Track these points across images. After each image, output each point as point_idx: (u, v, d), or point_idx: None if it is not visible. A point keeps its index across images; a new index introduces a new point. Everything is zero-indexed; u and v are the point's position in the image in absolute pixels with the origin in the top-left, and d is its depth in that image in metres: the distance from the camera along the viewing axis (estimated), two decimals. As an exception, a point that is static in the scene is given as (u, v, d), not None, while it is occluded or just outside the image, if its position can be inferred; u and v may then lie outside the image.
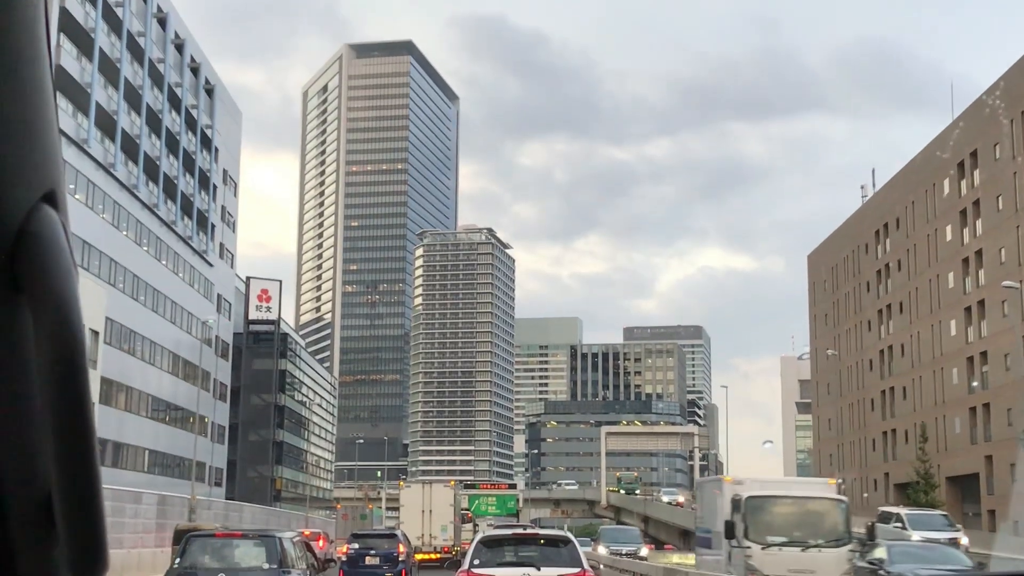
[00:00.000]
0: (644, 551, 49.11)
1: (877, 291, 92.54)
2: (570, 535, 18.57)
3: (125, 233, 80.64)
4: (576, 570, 16.02)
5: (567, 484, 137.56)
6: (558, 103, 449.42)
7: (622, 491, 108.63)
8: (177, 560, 16.80)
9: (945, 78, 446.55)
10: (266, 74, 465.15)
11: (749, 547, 23.51)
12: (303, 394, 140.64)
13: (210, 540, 17.37)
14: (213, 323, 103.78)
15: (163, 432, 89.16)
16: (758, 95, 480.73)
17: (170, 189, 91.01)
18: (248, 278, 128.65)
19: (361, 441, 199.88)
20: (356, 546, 34.49)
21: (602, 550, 45.88)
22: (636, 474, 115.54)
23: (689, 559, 61.14)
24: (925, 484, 66.87)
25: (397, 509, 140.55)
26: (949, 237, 79.25)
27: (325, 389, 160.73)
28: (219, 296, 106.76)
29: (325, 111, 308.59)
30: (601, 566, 35.07)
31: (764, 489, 25.25)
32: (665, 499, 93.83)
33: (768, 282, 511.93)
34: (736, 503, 24.37)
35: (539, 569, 15.88)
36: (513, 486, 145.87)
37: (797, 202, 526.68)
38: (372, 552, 33.75)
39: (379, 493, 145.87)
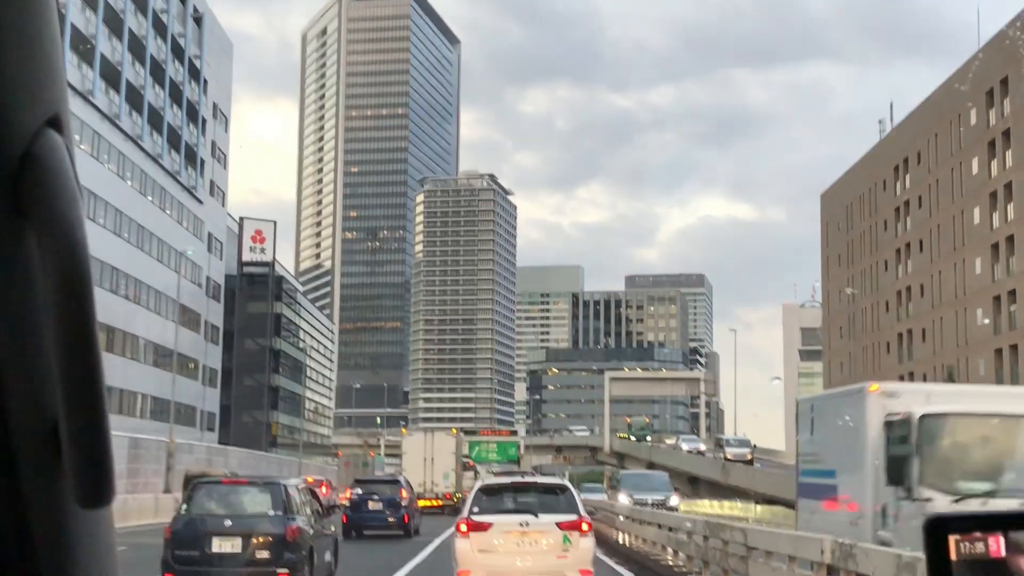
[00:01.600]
0: (675, 500, 42.57)
1: (895, 229, 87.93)
2: (567, 483, 18.60)
3: (107, 166, 75.98)
4: (573, 517, 16.19)
5: (577, 430, 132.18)
6: (560, 49, 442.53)
7: (632, 437, 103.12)
8: (184, 506, 16.85)
9: (950, 22, 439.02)
10: (264, 18, 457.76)
11: (931, 499, 14.57)
12: (300, 339, 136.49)
13: (216, 487, 17.48)
14: (201, 261, 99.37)
15: (150, 375, 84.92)
16: (762, 41, 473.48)
17: (155, 121, 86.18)
18: (241, 218, 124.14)
19: (358, 386, 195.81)
20: (359, 492, 34.67)
21: (623, 499, 38.27)
22: (647, 419, 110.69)
23: (747, 510, 57.01)
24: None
25: (397, 456, 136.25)
26: (975, 170, 74.51)
27: (323, 334, 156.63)
28: (210, 235, 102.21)
29: (324, 55, 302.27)
30: (620, 517, 32.35)
31: (953, 402, 16.23)
32: (685, 447, 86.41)
33: (770, 231, 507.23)
34: (899, 426, 15.53)
35: (537, 516, 16.09)
36: (514, 433, 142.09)
37: (800, 150, 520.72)
38: (375, 498, 34.04)
39: (379, 440, 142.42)
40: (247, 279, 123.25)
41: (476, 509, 16.53)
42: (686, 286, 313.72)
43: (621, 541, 28.44)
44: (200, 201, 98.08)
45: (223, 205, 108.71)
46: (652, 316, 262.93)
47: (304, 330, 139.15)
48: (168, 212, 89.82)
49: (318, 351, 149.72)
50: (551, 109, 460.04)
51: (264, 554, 16.08)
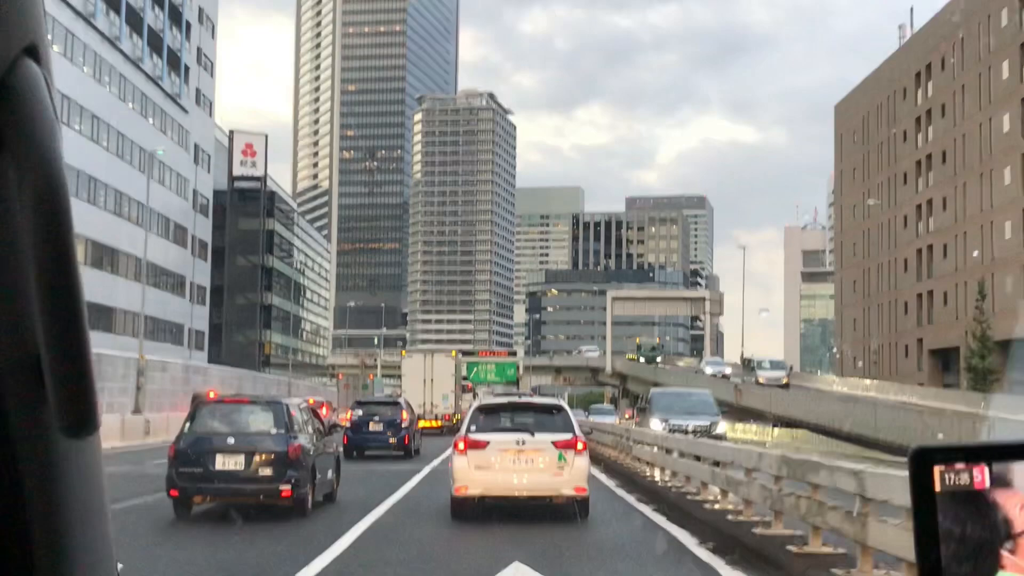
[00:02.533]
0: (722, 426, 33.94)
1: (915, 140, 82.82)
2: (563, 403, 18.37)
3: (84, 69, 70.71)
4: (568, 436, 16.47)
5: (587, 350, 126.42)
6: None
7: (642, 359, 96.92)
8: (187, 424, 16.96)
9: None
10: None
11: None
12: (294, 257, 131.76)
13: (219, 406, 17.56)
14: (188, 173, 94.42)
15: (135, 292, 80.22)
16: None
17: (135, 22, 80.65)
18: (231, 131, 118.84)
19: (352, 304, 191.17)
20: (360, 413, 34.66)
21: (656, 425, 30.67)
22: (659, 340, 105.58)
23: (764, 433, 52.70)
24: (980, 348, 58.26)
25: (394, 377, 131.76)
26: (1006, 75, 69.25)
27: (318, 252, 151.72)
28: (196, 146, 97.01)
29: None
30: (647, 447, 29.22)
31: None
32: (709, 371, 77.62)
33: (771, 154, 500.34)
34: None
35: (533, 435, 16.37)
36: (513, 354, 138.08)
37: (802, 71, 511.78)
38: (376, 419, 34.04)
39: (375, 361, 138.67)
40: (238, 194, 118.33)
41: (474, 428, 16.70)
42: (687, 208, 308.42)
43: (649, 476, 23.68)
44: (185, 110, 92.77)
45: (211, 116, 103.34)
46: (653, 237, 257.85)
47: (298, 248, 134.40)
48: (150, 120, 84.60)
49: (313, 270, 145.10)
50: (550, 29, 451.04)
51: (267, 471, 16.23)
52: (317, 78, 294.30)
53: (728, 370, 78.41)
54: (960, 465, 1.30)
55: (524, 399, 19.88)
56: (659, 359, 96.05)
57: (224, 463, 16.22)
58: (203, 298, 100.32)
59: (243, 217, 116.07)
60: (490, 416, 17.22)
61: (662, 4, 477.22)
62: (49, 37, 0.93)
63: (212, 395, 20.21)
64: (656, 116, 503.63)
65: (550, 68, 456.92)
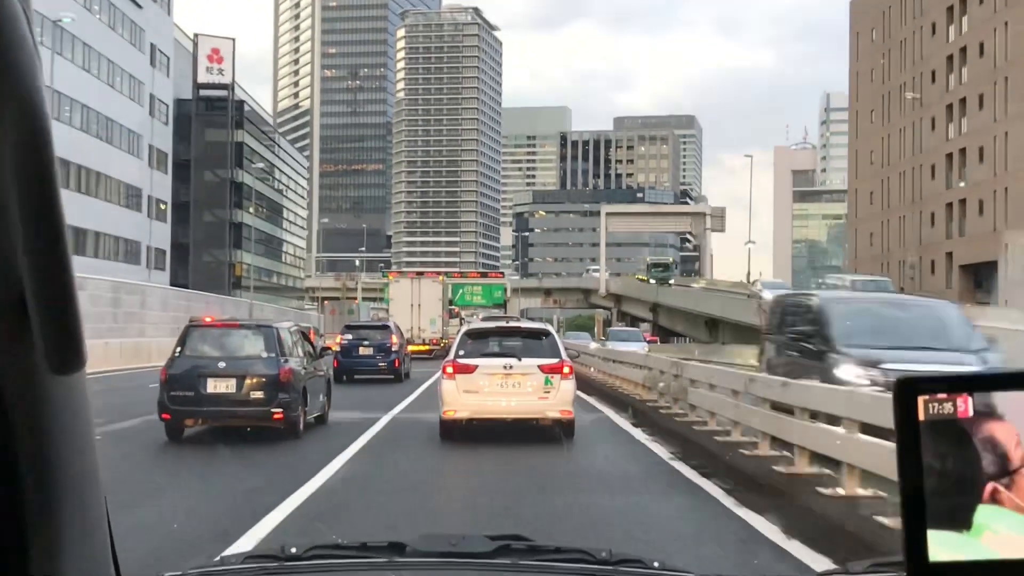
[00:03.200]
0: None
1: (947, 33, 73.64)
2: (550, 328, 18.89)
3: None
4: (555, 360, 16.46)
5: (593, 270, 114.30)
6: None
7: (652, 280, 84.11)
8: (178, 349, 16.55)
9: None
10: None
11: None
12: (266, 172, 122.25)
13: (209, 330, 17.21)
14: (143, 75, 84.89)
15: (78, 204, 71.18)
16: None
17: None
18: (196, 35, 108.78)
19: (325, 221, 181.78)
20: (350, 337, 34.19)
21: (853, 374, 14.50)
22: (671, 259, 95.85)
23: None
24: None
25: (376, 300, 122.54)
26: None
27: (294, 170, 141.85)
28: (153, 46, 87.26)
29: None
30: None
31: None
32: (768, 295, 48.79)
33: (757, 75, 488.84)
34: None
35: (520, 359, 16.43)
36: (501, 274, 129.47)
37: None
38: (366, 343, 33.61)
39: (356, 284, 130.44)
40: (204, 104, 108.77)
41: (462, 352, 16.78)
42: (676, 128, 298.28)
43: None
44: (138, 4, 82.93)
45: (168, 15, 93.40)
46: (643, 157, 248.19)
47: (271, 163, 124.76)
48: (96, 14, 74.88)
49: (288, 186, 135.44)
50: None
51: (258, 394, 16.10)
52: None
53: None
54: (944, 395, 1.31)
55: (512, 323, 20.05)
56: (672, 280, 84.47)
57: (215, 387, 16.07)
58: (163, 214, 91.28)
59: (210, 128, 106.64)
60: (478, 341, 17.25)
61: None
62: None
63: (209, 320, 18.88)
64: (643, 37, 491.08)
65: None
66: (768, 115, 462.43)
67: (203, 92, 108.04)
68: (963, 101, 71.03)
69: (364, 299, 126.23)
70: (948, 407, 1.30)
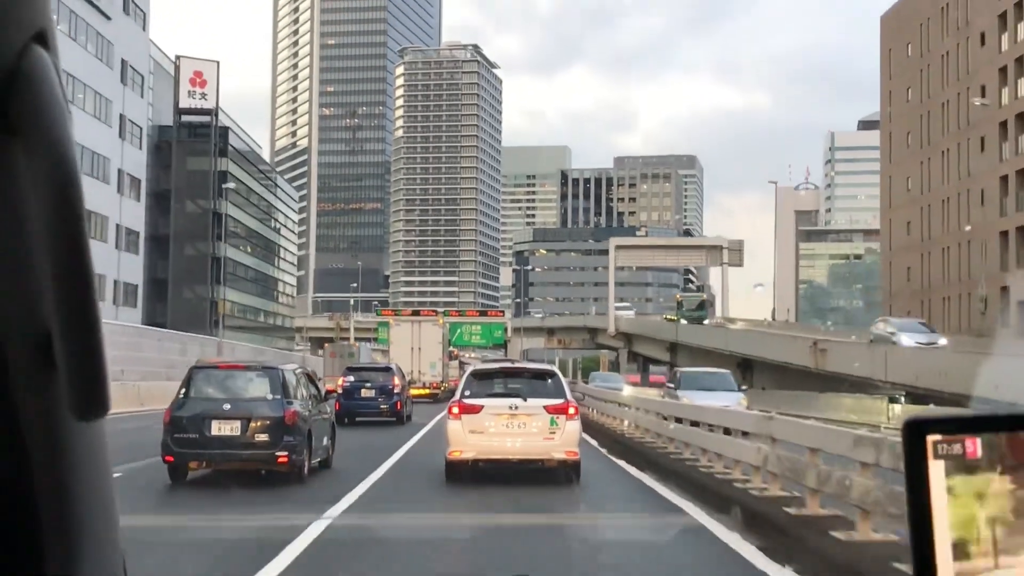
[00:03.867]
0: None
1: (998, 43, 65.29)
2: (555, 368, 18.64)
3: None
4: (560, 401, 16.31)
5: (623, 310, 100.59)
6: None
7: (682, 320, 73.47)
8: (182, 391, 16.08)
9: None
10: None
11: None
12: (253, 203, 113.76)
13: (214, 371, 16.81)
14: (112, 93, 76.56)
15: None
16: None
17: None
18: (178, 57, 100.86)
19: (301, 253, 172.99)
20: (352, 379, 33.83)
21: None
22: (704, 297, 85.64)
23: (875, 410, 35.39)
24: None
25: (370, 340, 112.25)
26: None
27: (284, 203, 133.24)
28: (124, 62, 79.02)
29: None
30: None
31: None
32: (910, 342, 42.13)
33: (755, 117, 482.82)
34: None
35: (526, 400, 16.27)
36: (501, 313, 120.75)
37: (783, 34, 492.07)
38: (368, 385, 33.34)
39: (349, 322, 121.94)
40: (186, 130, 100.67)
41: (468, 393, 16.67)
42: (677, 168, 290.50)
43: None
44: (107, 16, 74.81)
45: (144, 29, 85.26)
46: (645, 195, 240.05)
47: (259, 194, 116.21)
48: (60, 26, 66.55)
49: (278, 220, 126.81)
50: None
51: (263, 437, 15.70)
52: (296, 31, 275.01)
53: (943, 340, 43.92)
54: (953, 435, 1.29)
55: (517, 364, 20.46)
56: (707, 319, 73.62)
57: (220, 429, 15.61)
58: (134, 245, 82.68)
59: (193, 156, 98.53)
60: (484, 381, 17.17)
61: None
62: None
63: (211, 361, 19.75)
64: (640, 80, 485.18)
65: (533, 30, 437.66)
66: (765, 156, 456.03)
67: (185, 118, 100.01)
68: (1020, 117, 62.56)
69: (357, 338, 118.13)
70: (957, 447, 1.29)
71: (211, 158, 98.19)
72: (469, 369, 18.83)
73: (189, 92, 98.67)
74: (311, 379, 18.37)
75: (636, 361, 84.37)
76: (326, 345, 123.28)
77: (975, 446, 1.27)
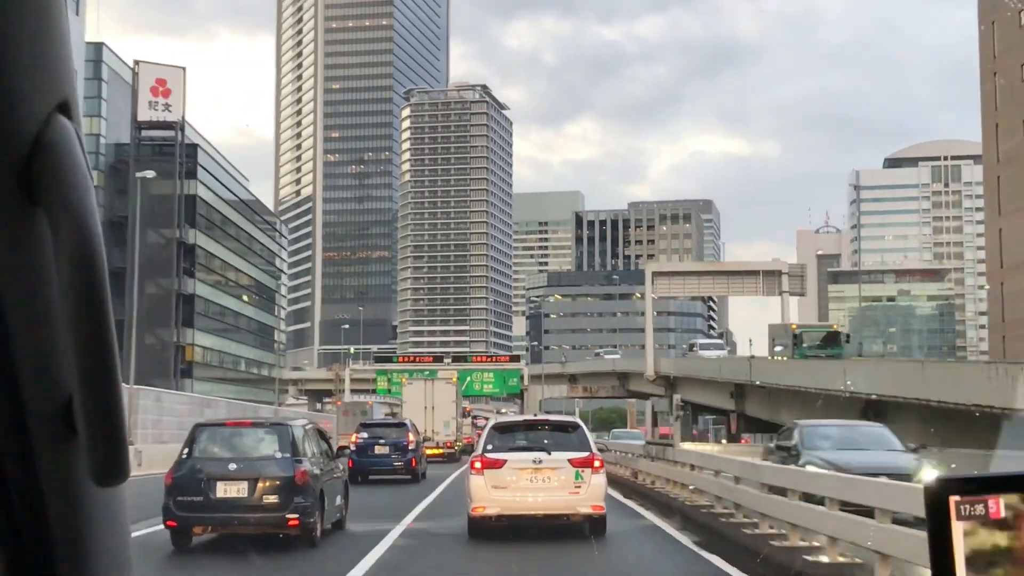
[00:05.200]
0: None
1: None
2: (579, 420, 17.89)
3: None
4: (585, 454, 15.69)
5: (710, 345, 78.20)
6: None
7: (784, 357, 52.71)
8: (185, 450, 14.73)
9: None
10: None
11: None
12: (232, 235, 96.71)
13: (219, 429, 15.50)
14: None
15: None
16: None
17: None
18: (137, 62, 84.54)
19: (287, 306, 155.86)
20: (365, 435, 32.53)
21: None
22: (834, 325, 66.30)
23: None
24: None
25: (367, 392, 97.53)
26: None
27: (269, 235, 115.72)
28: (49, 50, 62.53)
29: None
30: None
31: None
32: None
33: (763, 166, 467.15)
34: None
35: (549, 453, 15.64)
36: (516, 358, 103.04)
37: (791, 82, 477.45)
38: (382, 441, 31.94)
39: (344, 372, 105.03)
40: (148, 148, 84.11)
41: (490, 447, 15.99)
42: (695, 211, 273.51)
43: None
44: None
45: (77, 14, 68.99)
46: (664, 236, 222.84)
47: (237, 224, 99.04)
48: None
49: (262, 256, 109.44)
50: (537, 43, 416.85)
51: (272, 498, 14.20)
52: (299, 76, 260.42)
53: None
54: (976, 496, 1.25)
55: (540, 416, 19.44)
56: (842, 354, 52.55)
57: (226, 490, 14.18)
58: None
59: (157, 179, 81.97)
60: (506, 435, 16.53)
61: (647, 15, 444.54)
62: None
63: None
64: (647, 130, 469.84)
65: (538, 82, 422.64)
66: (779, 203, 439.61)
67: (146, 133, 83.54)
68: None
69: (353, 389, 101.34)
70: (980, 508, 1.24)
71: (176, 180, 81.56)
72: (491, 422, 17.64)
73: (151, 103, 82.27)
74: (322, 435, 16.88)
75: (684, 410, 66.70)
76: (338, 403, 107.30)
77: (998, 506, 1.22)
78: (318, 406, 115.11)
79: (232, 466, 14.31)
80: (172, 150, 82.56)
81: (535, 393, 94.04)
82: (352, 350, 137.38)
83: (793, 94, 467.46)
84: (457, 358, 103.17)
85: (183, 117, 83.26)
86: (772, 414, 49.53)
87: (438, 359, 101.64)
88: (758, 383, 49.68)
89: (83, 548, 1.19)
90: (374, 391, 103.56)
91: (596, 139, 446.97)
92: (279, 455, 14.51)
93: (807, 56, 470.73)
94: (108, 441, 1.10)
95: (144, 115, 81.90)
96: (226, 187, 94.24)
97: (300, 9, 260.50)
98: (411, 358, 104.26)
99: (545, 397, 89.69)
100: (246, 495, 14.14)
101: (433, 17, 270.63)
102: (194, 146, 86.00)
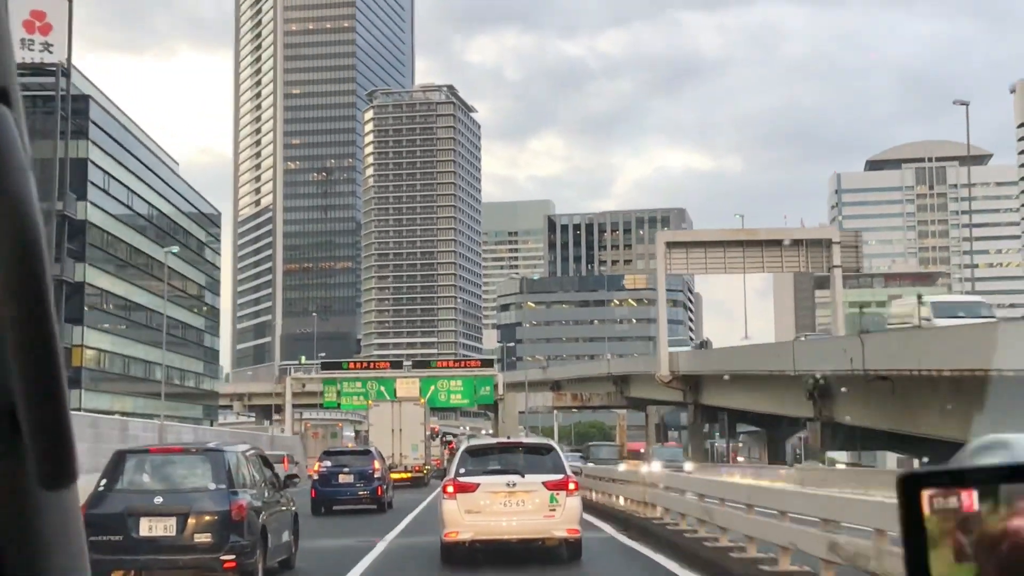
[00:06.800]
0: None
1: None
2: (553, 443, 17.18)
3: None
4: (559, 476, 15.07)
5: (676, 345, 61.60)
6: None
7: (934, 319, 30.57)
8: (103, 481, 12.55)
9: None
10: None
11: None
12: (140, 213, 76.83)
13: (144, 456, 13.48)
14: None
15: None
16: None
17: None
18: (5, -10, 64.09)
19: (245, 324, 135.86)
20: (328, 464, 29.97)
21: None
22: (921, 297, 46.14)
23: None
24: None
25: (312, 407, 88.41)
26: None
27: (192, 219, 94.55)
28: None
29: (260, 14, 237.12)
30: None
31: None
32: None
33: (726, 181, 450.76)
34: None
35: (523, 476, 14.97)
36: (489, 363, 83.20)
37: (754, 97, 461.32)
38: (346, 470, 29.47)
39: (284, 385, 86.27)
40: (29, 100, 64.01)
41: (463, 470, 15.26)
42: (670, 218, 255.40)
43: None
44: None
45: None
46: (642, 241, 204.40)
47: (141, 195, 78.80)
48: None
49: (187, 245, 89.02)
50: (500, 58, 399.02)
51: (205, 537, 12.18)
52: (259, 83, 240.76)
53: None
54: (948, 489, 1.22)
55: (513, 439, 18.93)
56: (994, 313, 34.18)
57: (151, 528, 12.16)
58: None
59: (36, 139, 62.32)
60: (479, 458, 15.70)
61: (610, 29, 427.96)
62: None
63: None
64: (612, 144, 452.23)
65: (502, 98, 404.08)
66: (751, 218, 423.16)
67: (21, 80, 63.16)
68: None
69: (295, 404, 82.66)
70: (952, 501, 1.21)
71: (56, 140, 61.90)
72: (463, 446, 17.02)
73: (24, 41, 62.47)
74: (265, 462, 14.76)
75: (719, 422, 47.61)
76: (307, 425, 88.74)
77: (971, 499, 1.20)
78: (266, 423, 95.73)
79: (158, 499, 12.32)
80: (53, 101, 62.94)
81: (513, 403, 74.92)
82: (303, 359, 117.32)
83: (757, 108, 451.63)
84: (420, 363, 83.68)
85: (68, 60, 63.67)
86: (895, 419, 30.27)
87: (396, 364, 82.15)
88: (871, 372, 30.40)
89: (35, 552, 1.12)
90: (321, 405, 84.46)
91: (561, 155, 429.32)
92: (213, 486, 12.48)
93: (768, 71, 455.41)
94: (54, 442, 1.03)
95: (19, 55, 62.19)
96: (133, 155, 74.35)
97: (259, 12, 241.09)
98: (364, 364, 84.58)
99: (528, 408, 70.46)
100: (174, 533, 12.19)
101: (397, 20, 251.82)
102: (84, 98, 66.49)
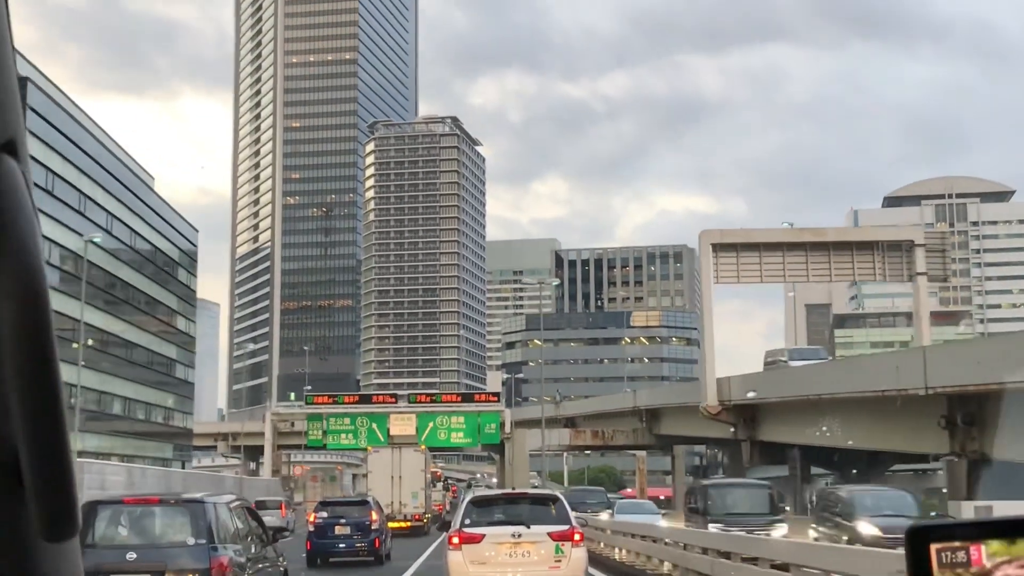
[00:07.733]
0: None
1: None
2: (558, 493, 16.85)
3: None
4: (565, 527, 14.84)
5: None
6: (506, 33, 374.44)
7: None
8: None
9: (903, 4, 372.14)
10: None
11: None
12: (95, 221, 65.99)
13: (118, 508, 12.22)
14: None
15: None
16: (713, 24, 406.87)
17: None
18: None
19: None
20: (324, 515, 28.83)
21: None
22: None
23: None
24: None
25: (296, 448, 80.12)
26: None
27: (161, 232, 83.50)
28: None
29: (260, 48, 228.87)
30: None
31: None
32: None
33: (730, 224, 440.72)
34: None
35: (529, 527, 14.69)
36: (495, 396, 72.07)
37: (757, 139, 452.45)
38: (342, 521, 28.35)
39: (265, 419, 75.69)
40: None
41: (468, 521, 15.10)
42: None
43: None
44: None
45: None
46: (653, 277, 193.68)
47: (102, 205, 68.10)
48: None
49: (153, 262, 78.04)
50: (502, 101, 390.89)
51: None
52: (258, 116, 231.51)
53: None
54: (957, 543, 1.18)
55: (518, 490, 19.01)
56: None
57: None
58: None
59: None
60: (484, 509, 15.64)
61: (613, 72, 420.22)
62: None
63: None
64: (615, 187, 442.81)
65: (505, 140, 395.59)
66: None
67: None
68: None
69: (280, 445, 72.52)
70: (961, 555, 1.17)
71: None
72: (467, 497, 17.00)
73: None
74: (252, 514, 13.52)
75: (790, 462, 36.58)
76: (305, 469, 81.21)
77: (980, 553, 1.16)
78: (252, 466, 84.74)
79: (131, 555, 11.46)
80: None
81: (522, 443, 63.84)
82: (292, 397, 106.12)
83: (760, 150, 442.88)
84: (420, 397, 72.88)
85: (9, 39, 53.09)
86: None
87: (390, 397, 71.44)
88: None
89: None
90: (304, 446, 73.79)
91: (564, 197, 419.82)
92: (192, 541, 11.57)
93: (770, 113, 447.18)
94: (58, 495, 1.02)
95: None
96: (85, 151, 63.75)
97: (259, 45, 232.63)
98: (355, 398, 73.67)
99: (543, 446, 59.31)
100: None
101: (400, 56, 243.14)
102: (23, 79, 55.96)
